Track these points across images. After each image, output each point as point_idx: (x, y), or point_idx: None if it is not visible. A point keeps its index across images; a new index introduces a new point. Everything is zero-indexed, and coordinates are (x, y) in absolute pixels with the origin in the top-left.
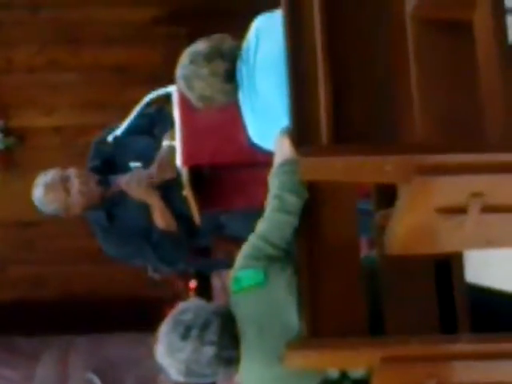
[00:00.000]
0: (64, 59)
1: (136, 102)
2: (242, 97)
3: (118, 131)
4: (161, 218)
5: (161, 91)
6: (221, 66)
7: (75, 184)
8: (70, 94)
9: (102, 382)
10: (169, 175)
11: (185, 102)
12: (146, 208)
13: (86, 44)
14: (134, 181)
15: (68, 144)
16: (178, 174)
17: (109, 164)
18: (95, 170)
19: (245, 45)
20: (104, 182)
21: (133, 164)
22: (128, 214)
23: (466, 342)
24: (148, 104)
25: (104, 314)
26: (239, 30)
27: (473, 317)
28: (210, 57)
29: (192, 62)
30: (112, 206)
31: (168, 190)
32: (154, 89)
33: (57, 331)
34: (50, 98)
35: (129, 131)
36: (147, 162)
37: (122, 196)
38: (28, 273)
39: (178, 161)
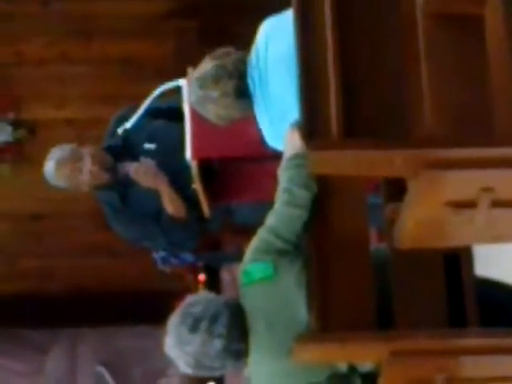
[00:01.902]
0: (74, 52)
1: (146, 95)
2: (256, 102)
3: (128, 124)
4: (170, 204)
5: (171, 84)
6: (229, 85)
7: (87, 164)
8: (81, 87)
9: (110, 375)
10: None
11: None
12: (156, 191)
13: (96, 37)
14: (142, 170)
15: (79, 136)
16: (188, 167)
17: (123, 146)
18: (110, 149)
19: (254, 49)
20: (112, 170)
21: (147, 145)
22: (139, 196)
23: (475, 337)
24: (158, 97)
25: (113, 306)
26: (250, 24)
27: (482, 311)
28: (217, 78)
29: (201, 86)
30: (124, 187)
31: (177, 175)
32: (164, 82)
33: (66, 324)
34: (60, 91)
35: (143, 115)
36: (161, 143)
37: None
38: (37, 265)
39: (188, 154)
